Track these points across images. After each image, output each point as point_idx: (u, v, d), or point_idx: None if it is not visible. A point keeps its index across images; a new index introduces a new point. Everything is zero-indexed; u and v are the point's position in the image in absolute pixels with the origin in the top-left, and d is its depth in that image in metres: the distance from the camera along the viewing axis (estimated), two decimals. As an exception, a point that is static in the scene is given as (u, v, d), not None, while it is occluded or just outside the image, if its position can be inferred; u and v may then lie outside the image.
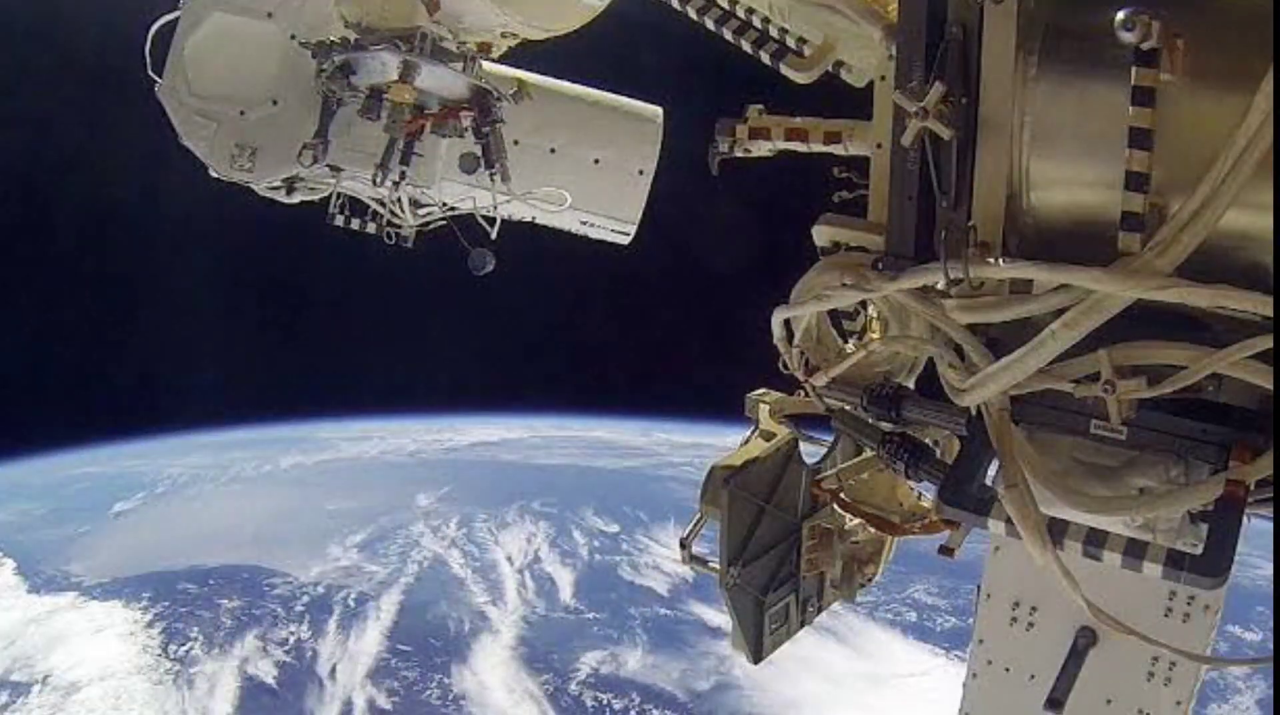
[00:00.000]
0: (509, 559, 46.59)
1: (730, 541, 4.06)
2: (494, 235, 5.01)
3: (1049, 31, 2.61)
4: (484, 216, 5.05)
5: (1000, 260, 2.68)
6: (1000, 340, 2.86)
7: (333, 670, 38.35)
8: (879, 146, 3.18)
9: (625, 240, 5.53)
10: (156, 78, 4.83)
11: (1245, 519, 2.57)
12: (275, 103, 4.87)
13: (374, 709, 36.88)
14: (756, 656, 4.36)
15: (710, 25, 3.62)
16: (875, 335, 3.62)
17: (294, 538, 46.84)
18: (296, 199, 5.20)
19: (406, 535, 47.80)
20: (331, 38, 4.61)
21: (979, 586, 4.10)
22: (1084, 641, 3.85)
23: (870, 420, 3.34)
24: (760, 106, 3.56)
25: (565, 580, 45.11)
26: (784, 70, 3.44)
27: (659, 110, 5.41)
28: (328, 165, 4.80)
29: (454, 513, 50.17)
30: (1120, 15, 2.23)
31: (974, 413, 2.97)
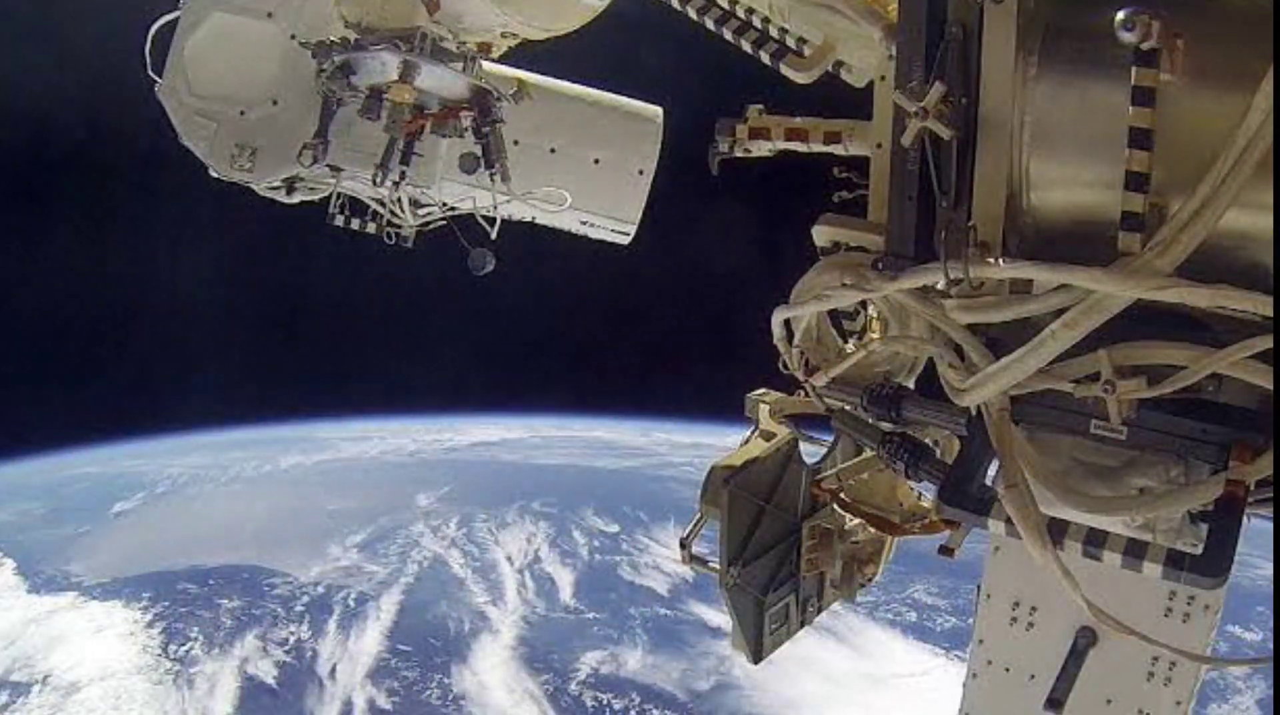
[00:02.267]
0: (509, 559, 46.63)
1: (730, 541, 4.06)
2: (494, 235, 5.00)
3: (1049, 31, 2.61)
4: (484, 216, 5.04)
5: (1000, 260, 2.68)
6: (1000, 340, 2.85)
7: (333, 670, 38.35)
8: (879, 146, 3.18)
9: (625, 240, 5.52)
10: (156, 78, 4.83)
11: (1245, 519, 2.56)
12: (275, 103, 4.87)
13: (374, 709, 36.89)
14: (756, 656, 4.36)
15: (710, 25, 3.62)
16: (875, 335, 3.62)
17: (294, 538, 46.87)
18: (296, 199, 5.19)
19: (406, 535, 47.84)
20: (331, 38, 4.60)
21: (979, 586, 4.09)
22: (1084, 641, 3.85)
23: (870, 420, 3.34)
24: (760, 106, 3.56)
25: (565, 580, 45.16)
26: (784, 70, 3.44)
27: (659, 110, 5.40)
28: (328, 165, 4.78)
29: (454, 513, 50.22)
30: (1120, 15, 2.23)
31: (974, 413, 2.97)
